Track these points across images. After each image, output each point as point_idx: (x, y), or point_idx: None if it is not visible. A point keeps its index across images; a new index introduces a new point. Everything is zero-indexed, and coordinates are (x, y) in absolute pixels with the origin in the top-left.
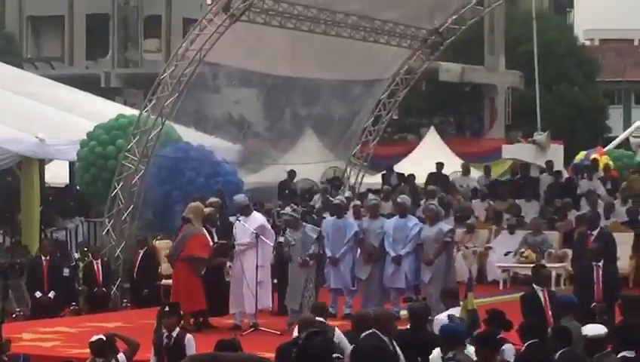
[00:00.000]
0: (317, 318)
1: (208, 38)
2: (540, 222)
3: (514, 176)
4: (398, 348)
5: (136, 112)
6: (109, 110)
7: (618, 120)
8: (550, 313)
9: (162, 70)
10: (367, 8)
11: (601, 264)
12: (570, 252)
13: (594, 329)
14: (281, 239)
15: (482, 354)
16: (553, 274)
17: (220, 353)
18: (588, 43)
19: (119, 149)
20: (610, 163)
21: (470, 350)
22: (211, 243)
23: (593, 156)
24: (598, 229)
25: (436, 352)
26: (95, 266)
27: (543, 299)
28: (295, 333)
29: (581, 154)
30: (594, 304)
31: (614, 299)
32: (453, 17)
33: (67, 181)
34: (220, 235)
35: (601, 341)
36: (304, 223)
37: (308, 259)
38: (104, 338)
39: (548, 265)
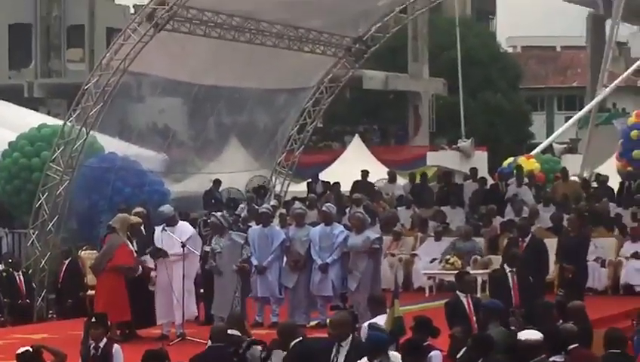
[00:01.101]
0: (231, 330)
1: (132, 48)
2: (470, 229)
3: (439, 183)
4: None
5: (59, 122)
6: (32, 120)
7: (541, 126)
8: (475, 319)
9: (86, 80)
10: (291, 17)
11: (514, 270)
12: (495, 258)
13: (529, 335)
14: (207, 248)
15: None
16: (479, 280)
17: None
18: (510, 50)
19: (44, 161)
20: (536, 167)
21: (395, 357)
22: (135, 255)
23: (518, 162)
24: (530, 236)
25: (364, 360)
26: (17, 278)
27: (467, 306)
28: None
29: (508, 160)
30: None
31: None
32: (377, 25)
33: None
34: (140, 246)
35: (536, 346)
36: (229, 230)
37: (245, 265)
38: (31, 349)
39: (473, 271)
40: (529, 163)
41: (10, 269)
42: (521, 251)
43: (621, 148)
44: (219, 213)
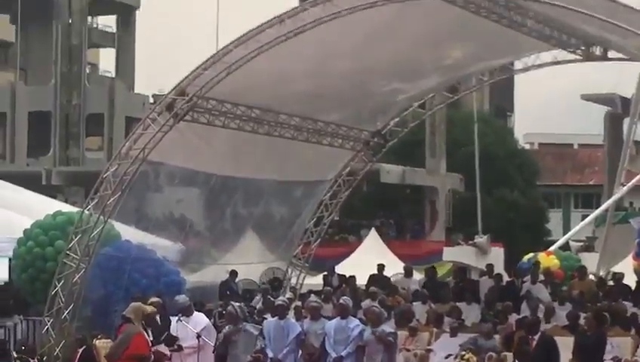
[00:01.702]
0: None
1: (152, 137)
2: (491, 327)
3: (455, 278)
4: None
5: (74, 209)
6: (49, 207)
7: (558, 223)
8: None
9: (105, 169)
10: (309, 110)
11: None
12: (510, 355)
13: None
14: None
15: None
16: None
17: None
18: (528, 146)
19: (58, 251)
20: (555, 264)
21: None
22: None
23: (536, 259)
24: (539, 334)
25: None
26: None
27: None
28: None
29: (527, 256)
30: None
31: None
32: (395, 120)
33: (6, 278)
34: (155, 335)
35: None
36: (244, 321)
37: (259, 356)
38: None
39: None
40: (548, 259)
41: (25, 356)
42: (532, 349)
43: (637, 247)
44: (237, 304)
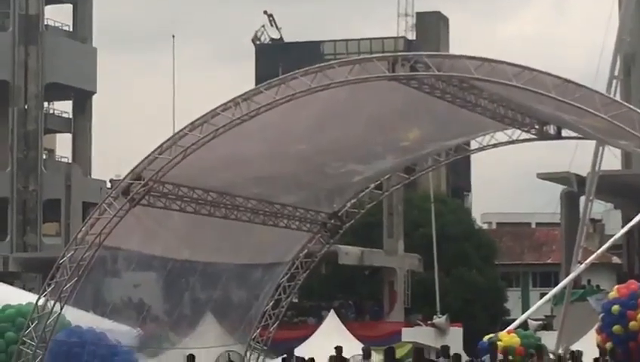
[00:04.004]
0: None
1: (108, 222)
2: None
3: (414, 359)
4: None
5: (24, 300)
6: (4, 297)
7: (516, 302)
8: None
9: (62, 254)
10: (266, 192)
11: None
12: None
13: None
14: None
15: None
16: None
17: None
18: (485, 226)
19: (9, 342)
20: (516, 341)
21: None
22: None
23: (497, 337)
24: None
25: None
26: None
27: None
28: None
29: (488, 336)
30: None
31: None
32: (352, 201)
33: None
34: None
35: None
36: None
37: None
38: None
39: None
40: (509, 338)
41: None
42: None
43: (601, 322)
44: None
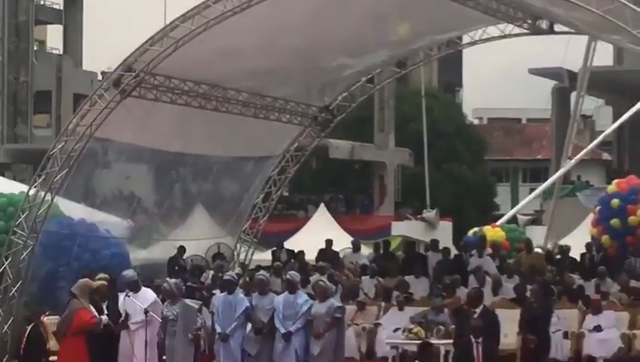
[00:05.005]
0: None
1: (99, 114)
2: (442, 302)
3: (403, 253)
4: None
5: (16, 190)
6: None
7: (506, 198)
8: None
9: (52, 146)
10: (257, 85)
11: (480, 341)
12: None
13: None
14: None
15: None
16: (442, 350)
17: None
18: (476, 122)
19: (0, 231)
20: (501, 236)
21: None
22: (98, 316)
23: (482, 232)
24: (481, 307)
25: None
26: None
27: None
28: None
29: (473, 230)
30: None
31: None
32: (343, 95)
33: None
34: (110, 311)
35: None
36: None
37: (199, 333)
38: None
39: (436, 341)
40: (494, 232)
41: None
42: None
43: (598, 215)
44: (173, 281)
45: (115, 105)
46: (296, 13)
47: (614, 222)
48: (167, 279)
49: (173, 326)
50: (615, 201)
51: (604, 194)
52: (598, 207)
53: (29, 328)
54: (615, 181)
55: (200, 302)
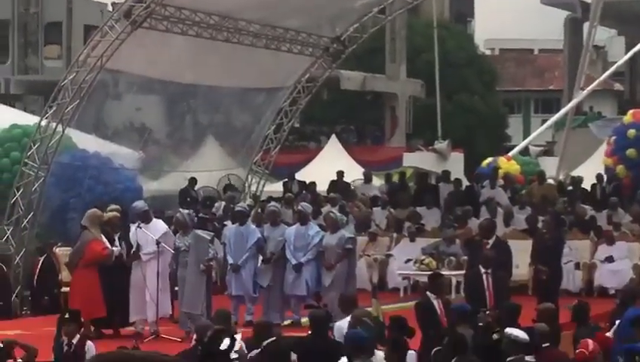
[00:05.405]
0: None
1: (109, 45)
2: (453, 233)
3: (415, 184)
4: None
5: (30, 122)
6: (7, 117)
7: (518, 128)
8: (446, 321)
9: (63, 77)
10: (269, 16)
11: (490, 271)
12: None
13: (517, 332)
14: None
15: (392, 359)
16: (454, 281)
17: (127, 351)
18: (488, 52)
19: (14, 162)
20: (516, 169)
21: (379, 356)
22: (110, 247)
23: (496, 164)
24: (494, 238)
25: (343, 361)
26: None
27: (437, 308)
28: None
29: (487, 161)
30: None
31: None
32: (355, 25)
33: None
34: (121, 242)
35: (521, 344)
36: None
37: (210, 264)
38: (2, 344)
39: (448, 272)
40: (509, 164)
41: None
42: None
43: (614, 145)
44: (185, 211)
45: (126, 37)
46: None
47: (630, 152)
48: (180, 210)
49: (185, 257)
50: (632, 132)
51: (620, 125)
52: (613, 138)
53: (41, 259)
54: (631, 111)
55: (212, 234)
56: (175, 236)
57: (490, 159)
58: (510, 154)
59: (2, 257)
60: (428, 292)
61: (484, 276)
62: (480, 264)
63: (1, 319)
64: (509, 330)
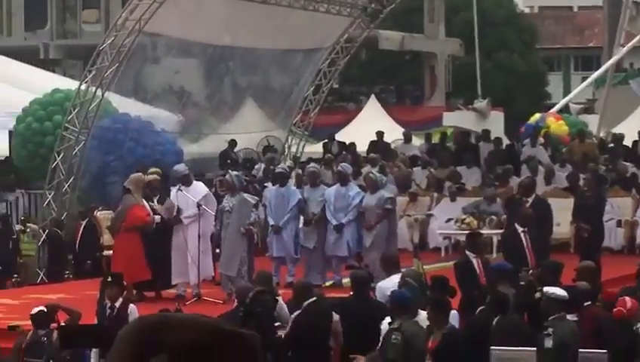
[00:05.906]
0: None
1: (148, 8)
2: (494, 191)
3: (455, 143)
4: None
5: (72, 86)
6: (47, 82)
7: (558, 86)
8: (485, 280)
9: (102, 41)
10: None
11: (526, 229)
12: None
13: (557, 291)
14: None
15: (435, 318)
16: (495, 240)
17: (169, 313)
18: (527, 10)
19: (56, 125)
20: (565, 130)
21: (422, 316)
22: (150, 211)
23: (545, 123)
24: (534, 196)
25: (387, 321)
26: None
27: (477, 267)
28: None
29: (534, 117)
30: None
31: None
32: None
33: (7, 153)
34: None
35: (562, 302)
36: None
37: (251, 228)
38: (45, 309)
39: (488, 231)
40: (557, 125)
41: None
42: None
43: None
44: (234, 173)
45: (164, 0)
46: None
47: None
48: (230, 171)
49: (228, 219)
50: None
51: None
52: None
53: (83, 223)
54: None
55: (257, 198)
56: (224, 199)
57: (537, 115)
58: (552, 110)
59: (56, 221)
60: (467, 251)
61: (521, 234)
62: (517, 222)
63: (55, 282)
64: (548, 289)
